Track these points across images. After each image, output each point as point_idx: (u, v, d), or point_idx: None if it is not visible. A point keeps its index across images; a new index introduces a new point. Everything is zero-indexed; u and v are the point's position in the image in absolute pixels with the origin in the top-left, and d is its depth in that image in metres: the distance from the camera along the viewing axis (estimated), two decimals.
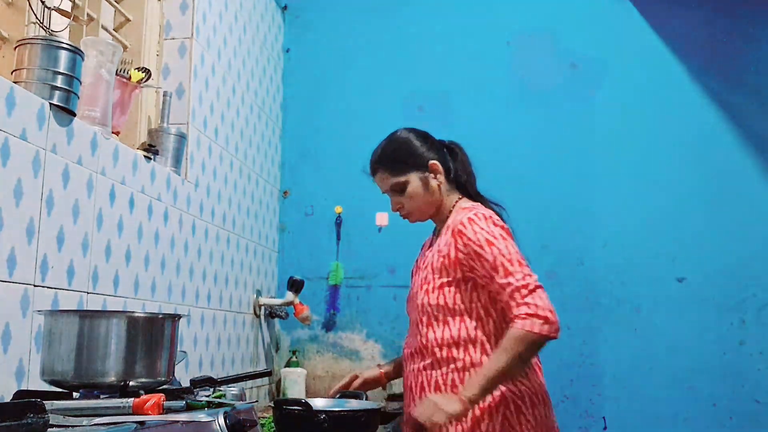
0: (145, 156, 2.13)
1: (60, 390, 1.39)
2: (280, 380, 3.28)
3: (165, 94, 2.37)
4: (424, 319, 1.88)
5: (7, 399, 1.44)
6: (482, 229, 1.82)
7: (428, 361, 1.87)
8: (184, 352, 2.16)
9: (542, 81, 3.44)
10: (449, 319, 1.84)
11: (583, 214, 3.31)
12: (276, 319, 3.35)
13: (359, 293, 3.42)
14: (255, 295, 3.13)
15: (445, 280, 1.87)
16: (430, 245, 2.04)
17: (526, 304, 1.69)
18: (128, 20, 2.38)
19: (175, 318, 1.49)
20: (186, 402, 1.28)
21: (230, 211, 2.85)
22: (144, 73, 2.21)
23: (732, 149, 3.27)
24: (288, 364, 3.31)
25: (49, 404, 1.14)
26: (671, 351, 3.19)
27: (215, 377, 1.68)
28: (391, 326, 3.36)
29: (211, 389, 1.63)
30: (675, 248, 3.26)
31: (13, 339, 1.55)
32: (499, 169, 3.40)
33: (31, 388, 1.52)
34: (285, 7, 3.64)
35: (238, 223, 2.95)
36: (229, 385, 1.97)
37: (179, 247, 2.37)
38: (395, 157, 2.03)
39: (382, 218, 3.44)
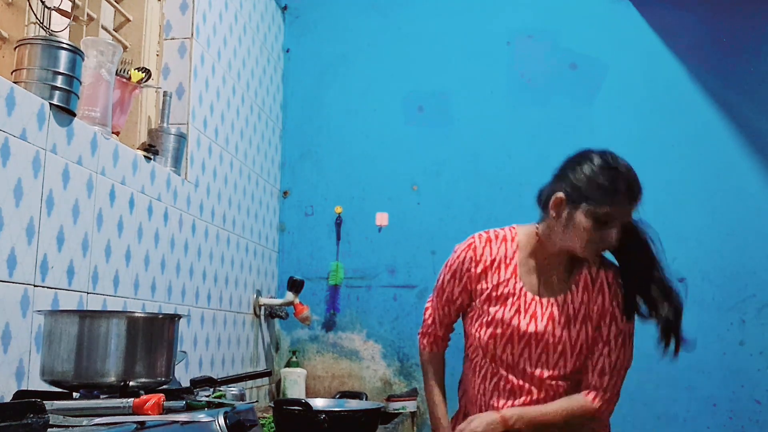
0: (145, 156, 2.13)
1: (60, 390, 1.39)
2: (280, 380, 3.28)
3: (165, 94, 2.37)
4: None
5: (7, 399, 1.44)
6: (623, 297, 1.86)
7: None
8: (184, 352, 2.16)
9: (542, 81, 3.44)
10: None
11: None
12: (276, 319, 3.35)
13: (359, 293, 3.42)
14: (255, 296, 3.13)
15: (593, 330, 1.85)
16: (539, 274, 1.87)
17: (611, 386, 1.81)
18: (128, 20, 2.38)
19: (175, 318, 1.49)
20: (186, 402, 1.28)
21: (230, 211, 2.85)
22: (144, 73, 2.21)
23: (732, 149, 3.27)
24: (288, 364, 3.31)
25: (49, 404, 1.14)
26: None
27: (215, 377, 1.68)
28: (391, 326, 3.36)
29: (211, 389, 1.63)
30: (675, 248, 3.25)
31: (13, 339, 1.55)
32: (499, 169, 3.40)
33: (31, 388, 1.52)
34: (285, 7, 3.64)
35: (238, 223, 2.95)
36: (229, 385, 1.97)
37: (179, 247, 2.37)
38: None
39: (382, 218, 3.44)
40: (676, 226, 3.26)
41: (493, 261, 1.86)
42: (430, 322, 2.01)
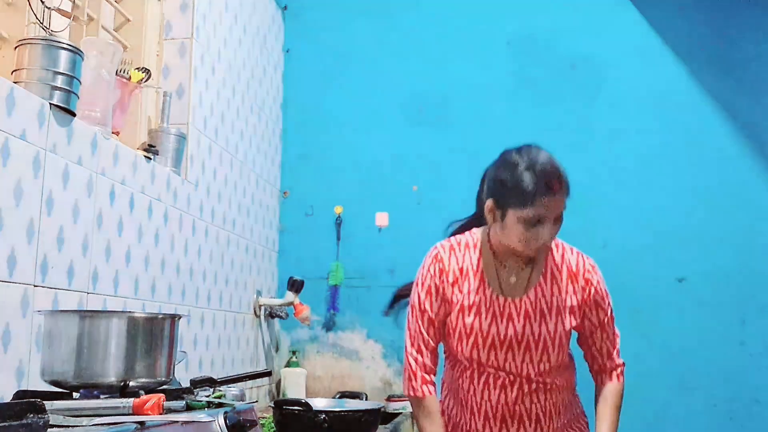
0: (145, 156, 2.13)
1: (60, 390, 1.39)
2: (280, 380, 3.28)
3: (165, 94, 2.37)
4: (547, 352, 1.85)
5: (7, 399, 1.44)
6: (601, 279, 1.90)
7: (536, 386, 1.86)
8: (184, 352, 2.16)
9: (542, 81, 3.44)
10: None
11: (583, 214, 3.30)
12: (276, 320, 3.35)
13: (359, 293, 3.41)
14: (255, 296, 3.13)
15: (574, 323, 1.85)
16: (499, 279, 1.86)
17: (619, 360, 1.91)
18: (128, 20, 2.38)
19: (175, 318, 1.49)
20: (186, 402, 1.28)
21: (230, 211, 2.85)
22: (144, 73, 2.21)
23: (731, 148, 3.27)
24: (288, 364, 3.31)
25: (49, 404, 1.14)
26: (671, 351, 3.19)
27: (215, 377, 1.68)
28: (391, 326, 3.35)
29: (211, 389, 1.63)
30: (675, 248, 3.26)
31: (13, 339, 1.55)
32: None
33: (31, 388, 1.52)
34: (285, 7, 3.64)
35: (238, 223, 2.95)
36: (229, 386, 1.97)
37: (179, 247, 2.37)
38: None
39: (382, 218, 3.44)
40: (676, 227, 3.26)
41: (461, 270, 1.85)
42: (415, 353, 1.86)
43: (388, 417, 2.95)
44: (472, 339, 1.82)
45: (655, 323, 3.20)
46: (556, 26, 3.46)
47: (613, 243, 3.28)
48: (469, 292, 1.83)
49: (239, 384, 2.02)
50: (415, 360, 1.86)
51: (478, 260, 1.86)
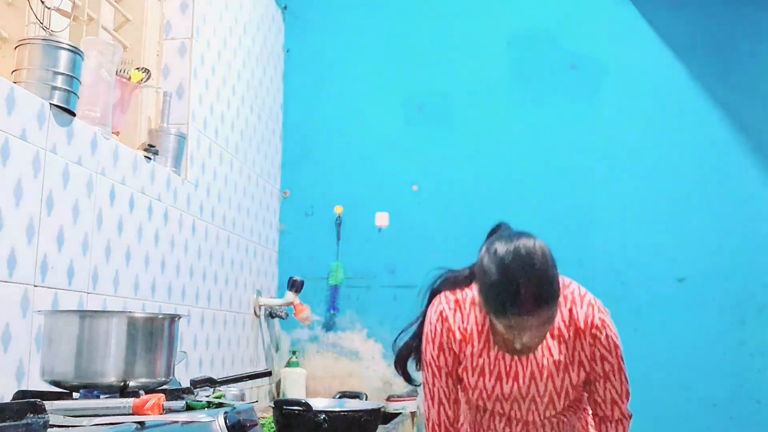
0: (145, 156, 2.13)
1: (60, 390, 1.39)
2: (280, 380, 3.28)
3: (165, 94, 2.37)
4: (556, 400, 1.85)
5: (7, 399, 1.44)
6: (611, 331, 1.81)
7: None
8: (184, 352, 2.16)
9: (542, 81, 3.44)
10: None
11: (583, 214, 3.31)
12: (276, 320, 3.35)
13: (359, 293, 3.42)
14: (255, 296, 3.13)
15: (582, 375, 1.82)
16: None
17: (626, 409, 1.88)
18: (128, 20, 2.38)
19: (175, 318, 1.49)
20: (186, 402, 1.28)
21: (230, 211, 2.85)
22: (144, 73, 2.21)
23: (731, 149, 3.28)
24: (288, 364, 3.31)
25: (49, 404, 1.14)
26: (671, 351, 3.19)
27: (215, 377, 1.68)
28: (391, 326, 3.36)
29: (211, 389, 1.63)
30: (675, 248, 3.26)
31: (13, 339, 1.55)
32: (499, 170, 3.40)
33: (31, 388, 1.52)
34: (285, 7, 3.64)
35: (238, 223, 2.95)
36: (229, 386, 1.97)
37: (179, 247, 2.37)
38: (556, 281, 1.67)
39: (382, 218, 3.44)
40: (676, 226, 3.27)
41: (465, 329, 1.81)
42: (437, 405, 1.85)
43: (388, 417, 2.95)
44: (477, 393, 1.83)
45: (655, 323, 3.20)
46: (556, 26, 3.46)
47: (612, 243, 3.28)
48: (472, 354, 1.81)
49: (239, 384, 2.02)
50: (438, 413, 1.85)
51: (484, 319, 1.80)
